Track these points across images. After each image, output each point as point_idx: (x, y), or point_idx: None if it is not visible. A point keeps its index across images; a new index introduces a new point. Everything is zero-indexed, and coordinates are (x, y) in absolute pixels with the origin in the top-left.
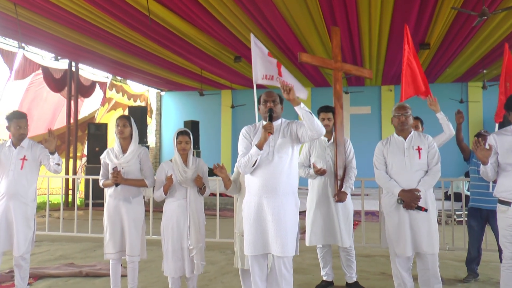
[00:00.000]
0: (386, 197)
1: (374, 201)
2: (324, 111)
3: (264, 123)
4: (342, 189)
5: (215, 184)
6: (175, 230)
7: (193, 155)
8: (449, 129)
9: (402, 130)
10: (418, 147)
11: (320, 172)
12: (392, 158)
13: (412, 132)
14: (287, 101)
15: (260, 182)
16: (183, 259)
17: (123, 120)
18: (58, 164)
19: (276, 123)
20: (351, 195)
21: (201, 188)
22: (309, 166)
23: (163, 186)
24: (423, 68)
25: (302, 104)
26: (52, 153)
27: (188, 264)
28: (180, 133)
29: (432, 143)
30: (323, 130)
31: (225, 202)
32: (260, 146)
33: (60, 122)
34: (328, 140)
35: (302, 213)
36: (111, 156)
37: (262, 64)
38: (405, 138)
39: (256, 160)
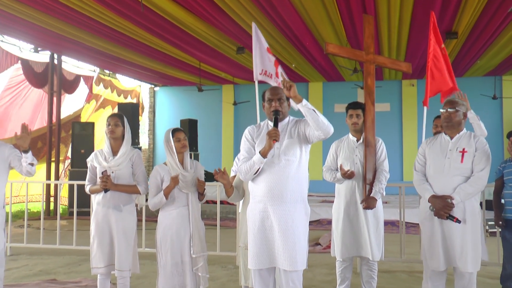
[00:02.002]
0: (422, 204)
1: (394, 209)
2: (353, 107)
3: (269, 122)
4: (371, 195)
5: (215, 191)
6: (175, 241)
7: (191, 157)
8: (480, 130)
9: (447, 128)
10: (463, 149)
11: (347, 175)
12: (432, 159)
13: (463, 131)
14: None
15: (265, 188)
16: (184, 274)
17: (114, 119)
18: (32, 164)
19: (283, 123)
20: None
21: (201, 194)
22: (337, 169)
23: (163, 189)
24: (450, 60)
25: (304, 101)
26: (25, 151)
27: (191, 279)
28: (175, 131)
29: (482, 146)
30: (331, 129)
31: (226, 211)
32: (264, 154)
33: (41, 121)
34: (358, 140)
35: (312, 223)
36: (100, 158)
37: (261, 59)
38: (452, 138)
39: (259, 168)
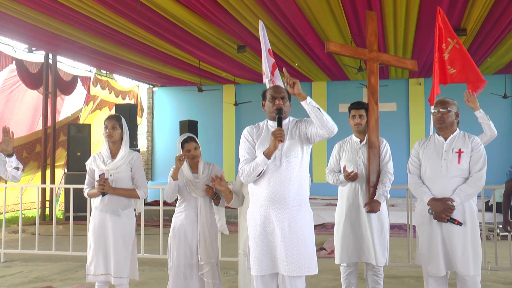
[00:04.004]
0: (418, 207)
1: (401, 212)
2: (355, 107)
3: (270, 122)
4: (375, 198)
5: None
6: (182, 243)
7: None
8: (490, 130)
9: (440, 129)
10: (459, 149)
11: (351, 177)
12: (427, 160)
13: (456, 132)
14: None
15: (267, 191)
16: (191, 277)
17: (112, 122)
18: (18, 169)
19: (284, 123)
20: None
21: (214, 199)
22: (340, 171)
23: (172, 174)
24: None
25: (308, 99)
26: (9, 155)
27: (197, 283)
28: (185, 141)
29: (477, 146)
30: (335, 128)
31: (228, 215)
32: (268, 155)
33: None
34: (361, 142)
35: (317, 227)
36: (98, 161)
37: (267, 58)
38: (446, 139)
39: (262, 170)
